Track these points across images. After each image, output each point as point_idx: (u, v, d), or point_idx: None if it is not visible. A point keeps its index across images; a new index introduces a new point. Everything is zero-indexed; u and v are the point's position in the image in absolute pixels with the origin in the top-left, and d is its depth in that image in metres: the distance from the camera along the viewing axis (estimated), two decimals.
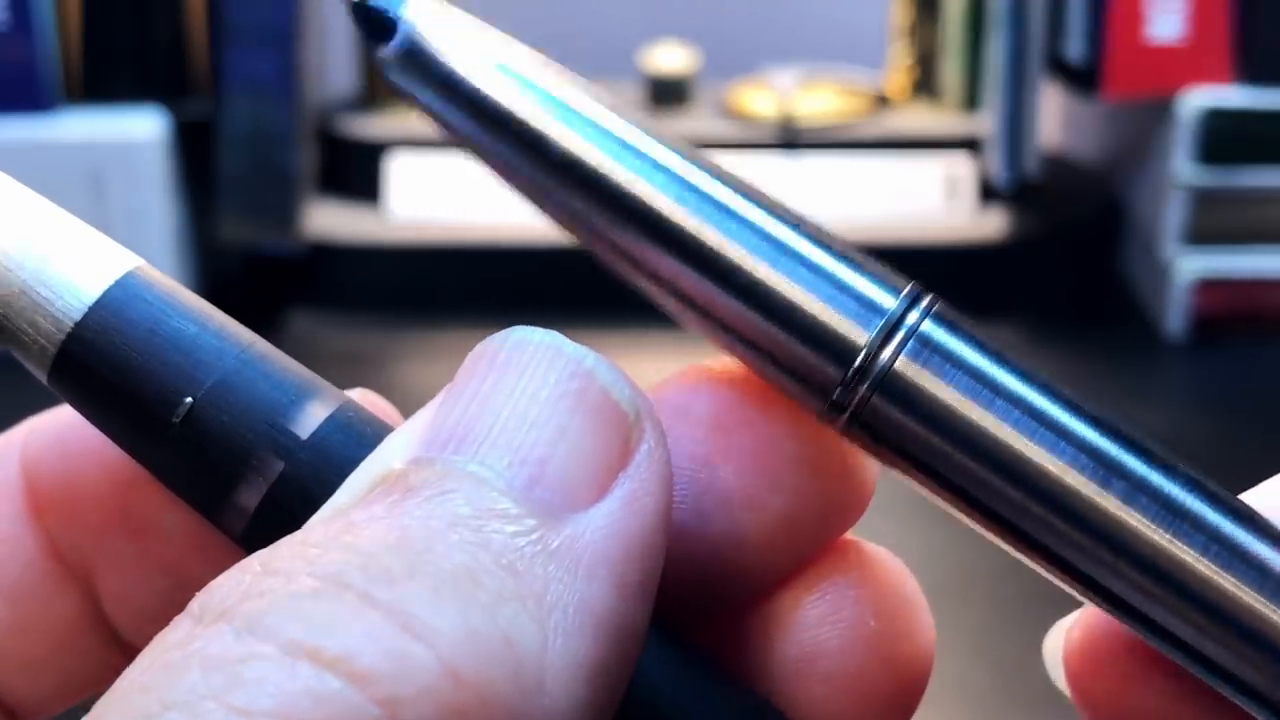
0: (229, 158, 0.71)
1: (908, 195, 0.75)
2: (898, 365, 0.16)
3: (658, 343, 0.52)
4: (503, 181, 0.18)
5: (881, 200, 0.75)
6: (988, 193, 0.75)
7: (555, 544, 0.14)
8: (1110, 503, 0.16)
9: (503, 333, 0.16)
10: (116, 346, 0.17)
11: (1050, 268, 0.74)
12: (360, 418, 0.17)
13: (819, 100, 0.79)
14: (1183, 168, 0.69)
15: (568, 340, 0.16)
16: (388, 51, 0.17)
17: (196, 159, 0.71)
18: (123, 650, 0.20)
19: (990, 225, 0.74)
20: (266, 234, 0.72)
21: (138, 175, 0.68)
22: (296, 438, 0.17)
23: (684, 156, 0.17)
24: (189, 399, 0.17)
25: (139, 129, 0.69)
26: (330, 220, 0.74)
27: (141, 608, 0.19)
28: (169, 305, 0.18)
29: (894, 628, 0.18)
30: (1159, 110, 0.70)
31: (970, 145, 0.76)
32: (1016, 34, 0.71)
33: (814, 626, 0.18)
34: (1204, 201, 0.70)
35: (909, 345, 0.16)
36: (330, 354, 0.69)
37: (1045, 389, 0.17)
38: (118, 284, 0.17)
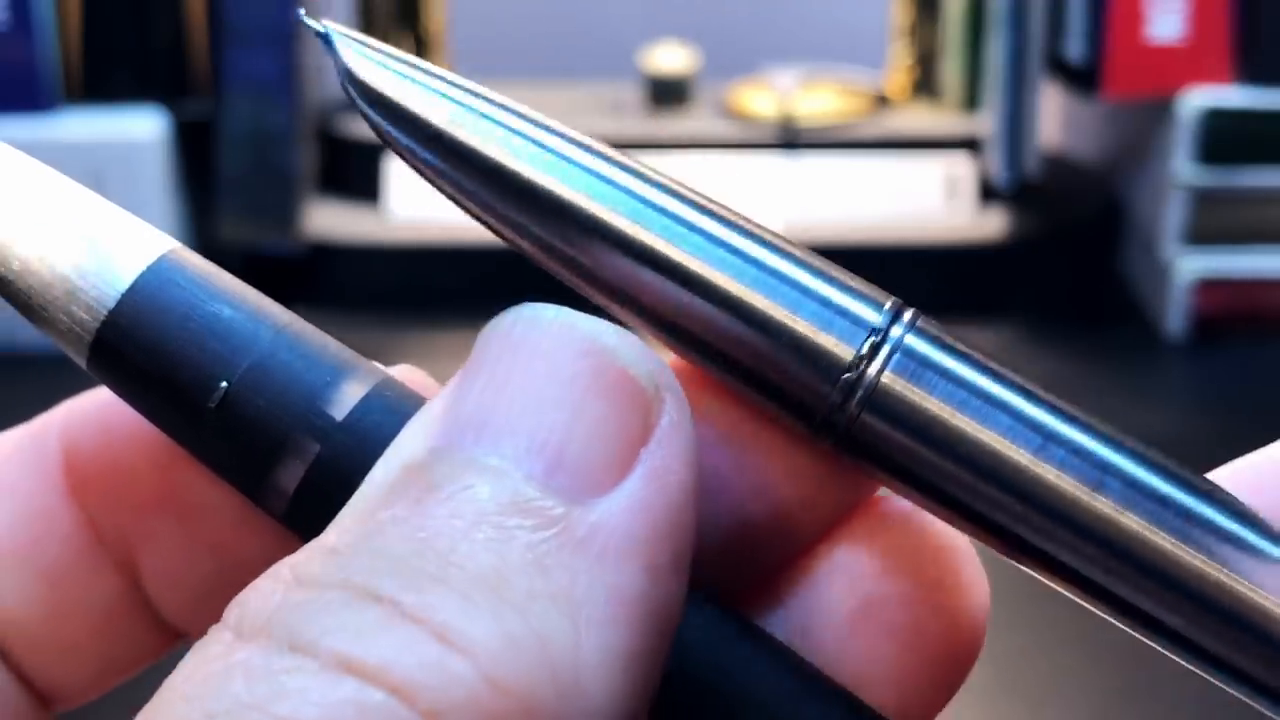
0: (229, 158, 0.71)
1: (908, 195, 0.75)
2: (884, 379, 0.16)
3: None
4: (462, 206, 0.18)
5: (881, 200, 0.75)
6: (988, 193, 0.75)
7: (581, 533, 0.14)
8: (1104, 505, 0.16)
9: (513, 311, 0.16)
10: (151, 332, 0.17)
11: (1050, 268, 0.74)
12: (398, 395, 0.17)
13: (819, 100, 0.79)
14: (1183, 168, 0.69)
15: (581, 315, 0.16)
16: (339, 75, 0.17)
17: (196, 159, 0.71)
18: (162, 632, 0.20)
19: (990, 225, 0.74)
20: (266, 234, 0.72)
21: (138, 175, 0.68)
22: (332, 419, 0.17)
23: (635, 172, 0.17)
24: (224, 384, 0.17)
25: (139, 129, 0.69)
26: (330, 220, 0.74)
27: (185, 587, 0.19)
28: (203, 288, 0.18)
29: (953, 578, 0.18)
30: (1159, 110, 0.70)
31: (970, 145, 0.76)
32: (1016, 34, 0.71)
33: (876, 577, 0.18)
34: (1204, 201, 0.70)
35: (895, 359, 0.17)
36: None
37: (1031, 395, 0.17)
38: (151, 269, 0.17)
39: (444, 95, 0.17)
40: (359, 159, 0.76)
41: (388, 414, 0.17)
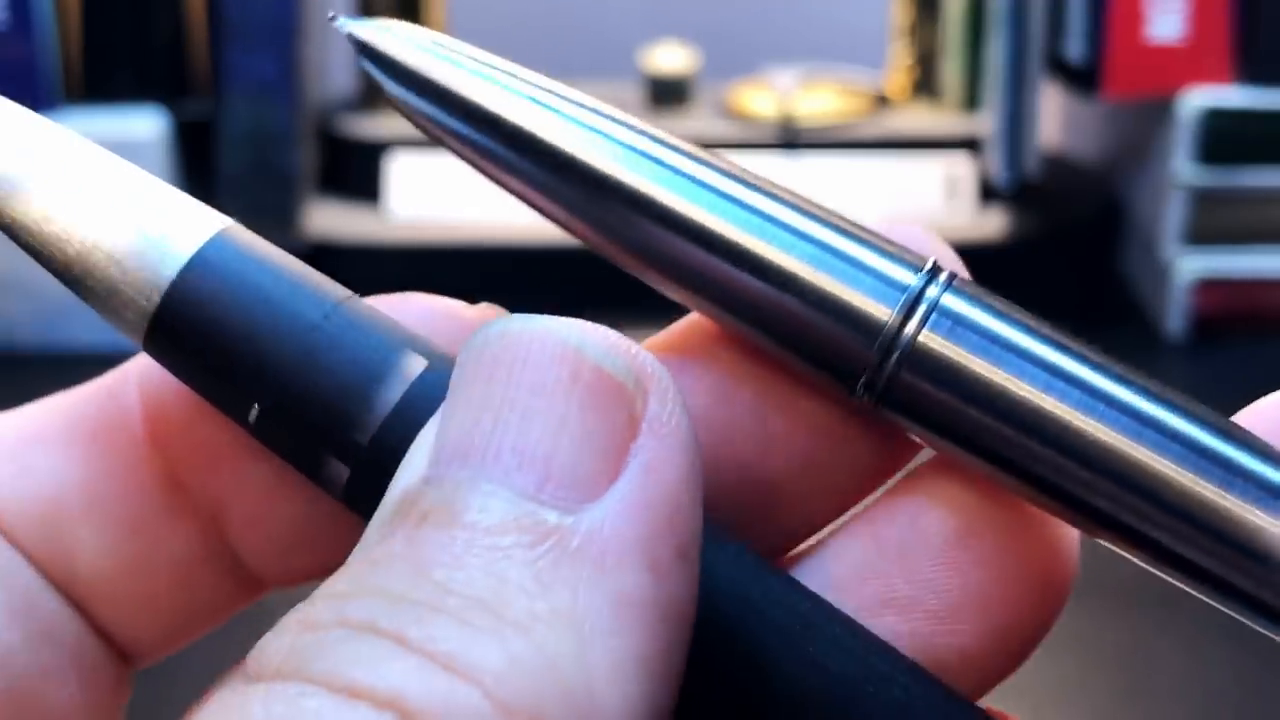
0: (229, 158, 0.71)
1: (908, 195, 0.75)
2: (922, 338, 0.17)
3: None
4: (502, 183, 0.18)
5: (881, 200, 0.75)
6: (988, 193, 0.75)
7: (576, 543, 0.14)
8: (1142, 453, 0.16)
9: (484, 328, 0.16)
10: (205, 312, 0.17)
11: (1050, 268, 0.74)
12: (446, 380, 0.17)
13: (819, 100, 0.79)
14: (1183, 168, 0.69)
15: (552, 320, 0.15)
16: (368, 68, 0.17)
17: (196, 159, 0.71)
18: (242, 582, 0.20)
19: (990, 225, 0.74)
20: (266, 234, 0.72)
21: None
22: (374, 415, 0.17)
23: (684, 152, 0.17)
24: (257, 404, 0.17)
25: (139, 129, 0.69)
26: (330, 220, 0.74)
27: (270, 532, 0.19)
28: (256, 266, 0.18)
29: (1042, 515, 0.18)
30: (1159, 110, 0.70)
31: (970, 145, 0.76)
32: (1016, 34, 0.71)
33: (975, 507, 0.18)
34: (1204, 201, 0.70)
35: (932, 318, 0.17)
36: None
37: (1069, 350, 0.17)
38: (205, 248, 0.17)
39: (514, 91, 0.17)
40: (359, 159, 0.76)
41: (436, 398, 0.17)
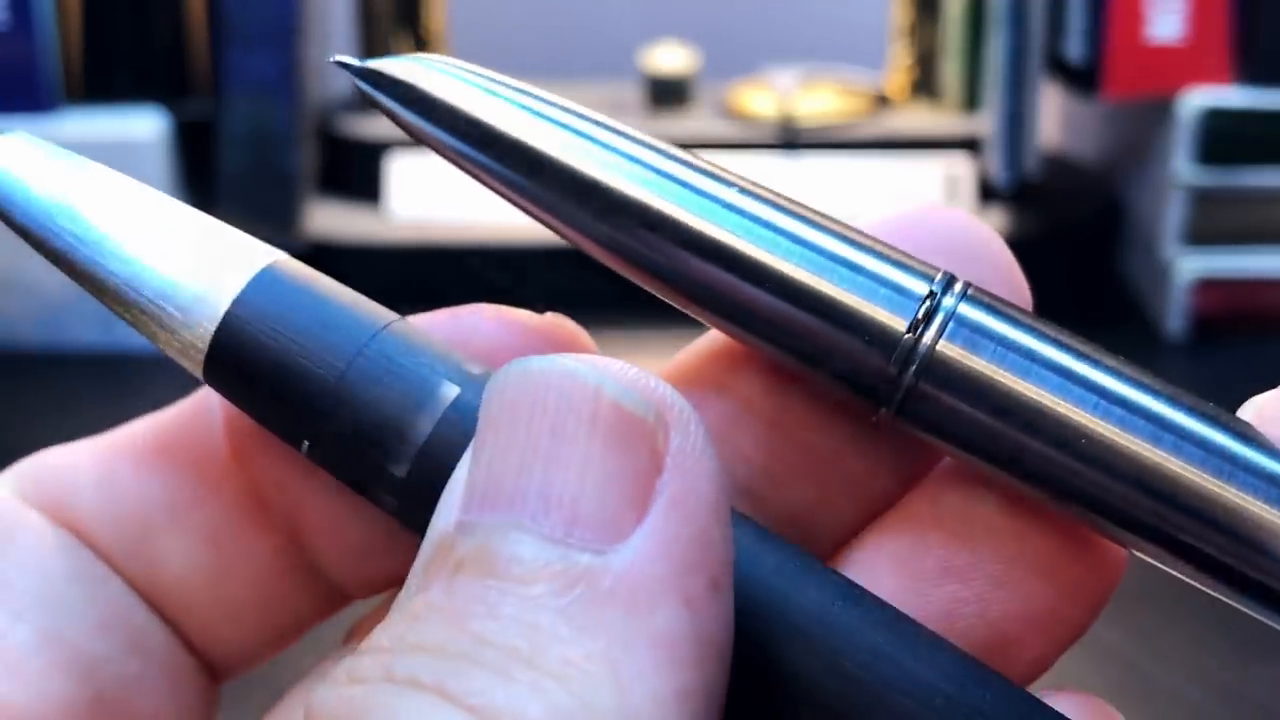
0: (229, 158, 0.71)
1: (908, 195, 0.75)
2: (940, 347, 0.17)
3: (660, 342, 0.52)
4: (506, 197, 0.18)
5: (881, 200, 0.75)
6: (988, 193, 0.75)
7: (607, 584, 0.14)
8: (1159, 455, 0.16)
9: (503, 370, 0.15)
10: (245, 358, 0.18)
11: (1050, 268, 0.74)
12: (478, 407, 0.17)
13: (819, 100, 0.79)
14: (1183, 168, 0.69)
15: (571, 360, 0.15)
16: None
17: (196, 159, 0.71)
18: (324, 594, 0.20)
19: (990, 225, 0.74)
20: (266, 234, 0.72)
21: (138, 175, 0.68)
22: (410, 447, 0.17)
23: (696, 167, 0.17)
24: (306, 442, 0.18)
25: (139, 129, 0.69)
26: (330, 220, 0.74)
27: (349, 544, 0.19)
28: (304, 296, 0.18)
29: None
30: (1159, 110, 0.70)
31: (970, 145, 0.76)
32: (1016, 34, 0.71)
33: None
34: (1204, 201, 0.70)
35: (949, 327, 0.17)
36: None
37: (1086, 357, 0.17)
38: (255, 281, 0.18)
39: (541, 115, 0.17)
40: (359, 159, 0.76)
41: (474, 419, 0.17)
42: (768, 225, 0.17)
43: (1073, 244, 0.75)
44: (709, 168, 0.17)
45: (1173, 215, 0.70)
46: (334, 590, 0.20)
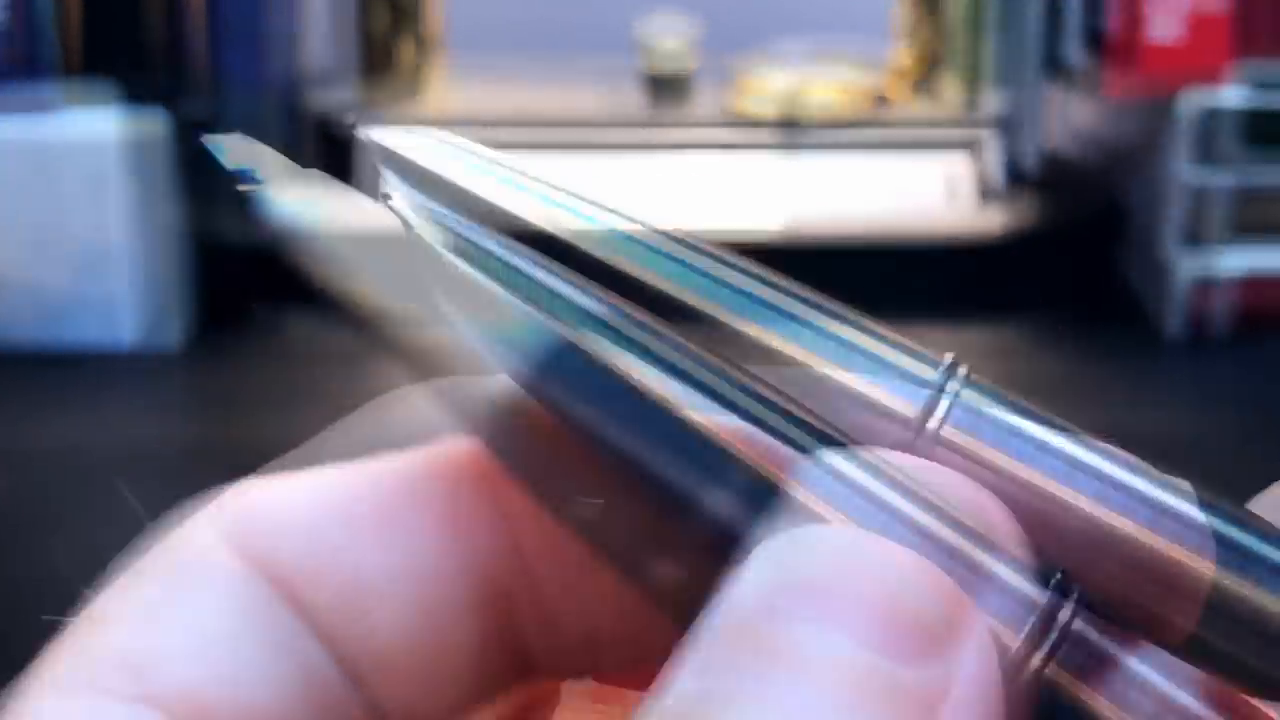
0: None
1: (908, 194, 0.75)
2: (944, 433, 0.17)
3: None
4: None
5: (882, 199, 0.75)
6: (987, 192, 0.75)
7: None
8: (1158, 542, 0.17)
9: (796, 535, 0.14)
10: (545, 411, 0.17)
11: (1050, 267, 0.74)
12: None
13: (820, 100, 0.79)
14: (1183, 168, 0.69)
15: (875, 555, 0.14)
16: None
17: (196, 159, 0.71)
18: (525, 674, 0.20)
19: (990, 224, 0.74)
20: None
21: (138, 175, 0.68)
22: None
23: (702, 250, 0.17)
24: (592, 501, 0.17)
25: (139, 129, 0.69)
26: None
27: (561, 638, 0.19)
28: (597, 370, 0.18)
29: None
30: (1159, 110, 0.70)
31: (970, 145, 0.76)
32: (1016, 34, 0.71)
33: None
34: (1202, 201, 0.70)
35: (953, 413, 0.17)
36: (330, 354, 0.69)
37: (1085, 443, 0.17)
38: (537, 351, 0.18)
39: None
40: (359, 159, 0.76)
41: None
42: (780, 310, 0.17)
43: (1073, 243, 0.75)
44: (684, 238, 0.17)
45: (1173, 215, 0.70)
46: (535, 670, 0.20)
